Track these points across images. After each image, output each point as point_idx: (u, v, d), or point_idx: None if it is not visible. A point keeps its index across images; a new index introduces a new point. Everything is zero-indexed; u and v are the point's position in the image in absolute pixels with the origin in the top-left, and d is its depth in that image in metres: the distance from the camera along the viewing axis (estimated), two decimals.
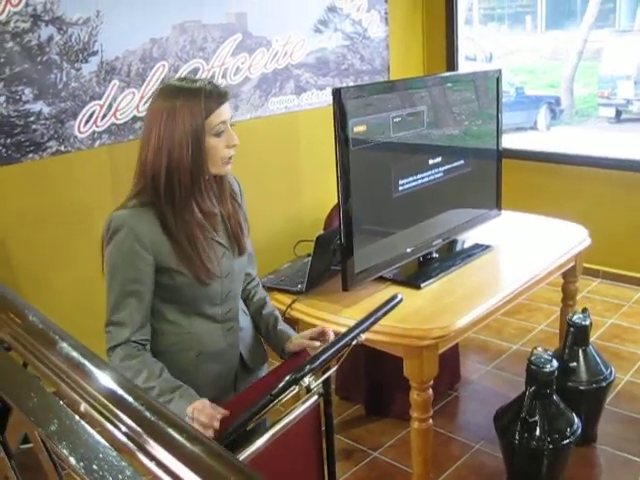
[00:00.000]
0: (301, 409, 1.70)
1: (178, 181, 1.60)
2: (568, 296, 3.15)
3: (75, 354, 1.07)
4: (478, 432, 2.97)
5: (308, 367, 1.31)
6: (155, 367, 1.62)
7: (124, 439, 0.87)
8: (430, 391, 2.34)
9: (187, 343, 1.72)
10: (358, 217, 2.36)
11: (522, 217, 3.28)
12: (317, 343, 1.78)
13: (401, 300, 1.63)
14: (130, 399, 0.93)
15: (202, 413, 1.49)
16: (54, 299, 3.28)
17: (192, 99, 1.59)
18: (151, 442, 0.85)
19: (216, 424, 1.47)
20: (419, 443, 2.40)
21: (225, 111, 1.63)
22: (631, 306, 4.10)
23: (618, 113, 8.76)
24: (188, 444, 0.84)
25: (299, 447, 1.92)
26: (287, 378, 1.30)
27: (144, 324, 1.66)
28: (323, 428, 1.86)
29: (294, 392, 1.42)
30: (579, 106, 9.96)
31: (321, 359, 1.34)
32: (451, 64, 4.88)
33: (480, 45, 6.03)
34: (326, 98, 4.30)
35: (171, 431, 0.86)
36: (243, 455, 1.48)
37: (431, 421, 2.38)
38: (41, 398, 0.93)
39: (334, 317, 2.35)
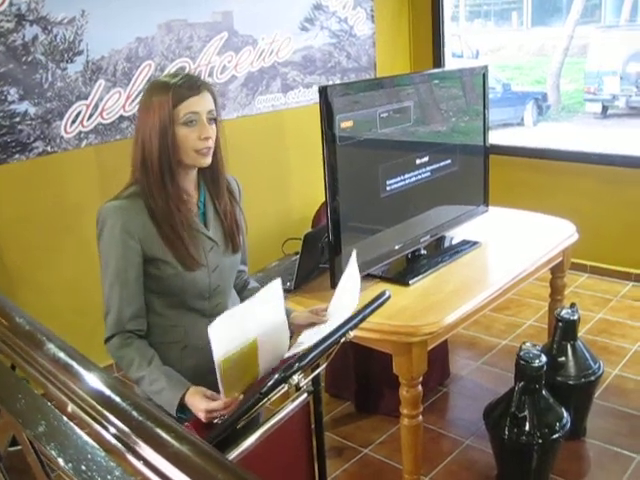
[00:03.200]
0: (291, 407, 1.70)
1: (151, 169, 1.65)
2: (556, 291, 3.17)
3: (62, 355, 1.07)
4: (468, 428, 2.98)
5: (297, 365, 1.31)
6: (146, 355, 1.65)
7: (113, 440, 0.87)
8: (419, 387, 2.35)
9: (173, 336, 1.74)
10: (346, 215, 2.36)
11: (510, 213, 3.29)
12: (325, 318, 1.78)
13: (389, 297, 1.63)
14: (118, 399, 0.93)
15: (198, 405, 1.53)
16: (42, 299, 3.28)
17: (162, 92, 1.64)
18: (139, 442, 0.84)
19: (207, 419, 1.50)
20: (409, 440, 2.40)
21: (197, 103, 1.65)
22: (619, 300, 4.12)
23: (604, 109, 8.80)
24: (176, 444, 0.84)
25: (289, 445, 1.92)
26: (276, 376, 1.30)
27: (138, 314, 1.68)
28: (313, 426, 1.87)
29: (284, 390, 1.42)
30: (565, 102, 10.00)
31: (310, 357, 1.34)
32: (438, 61, 4.89)
33: (466, 42, 6.04)
34: (313, 96, 4.30)
35: (159, 431, 0.86)
36: (233, 454, 1.49)
37: (421, 417, 2.39)
38: (29, 400, 0.93)
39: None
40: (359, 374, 3.14)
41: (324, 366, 1.56)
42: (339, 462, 2.80)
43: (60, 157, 3.33)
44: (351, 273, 1.76)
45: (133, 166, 1.70)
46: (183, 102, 1.63)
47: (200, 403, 1.53)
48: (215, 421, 1.51)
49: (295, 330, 1.86)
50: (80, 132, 3.38)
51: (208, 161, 1.69)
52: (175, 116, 1.63)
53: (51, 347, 1.08)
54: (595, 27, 8.41)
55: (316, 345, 1.38)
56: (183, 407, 1.58)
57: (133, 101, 3.51)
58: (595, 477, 2.69)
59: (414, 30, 4.94)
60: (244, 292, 1.96)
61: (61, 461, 0.82)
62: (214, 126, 1.69)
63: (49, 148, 3.29)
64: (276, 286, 1.51)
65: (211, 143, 1.67)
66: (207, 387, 1.76)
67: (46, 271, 3.33)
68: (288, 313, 1.87)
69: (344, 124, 2.30)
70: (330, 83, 4.34)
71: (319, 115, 2.25)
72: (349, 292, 1.76)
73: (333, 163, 2.28)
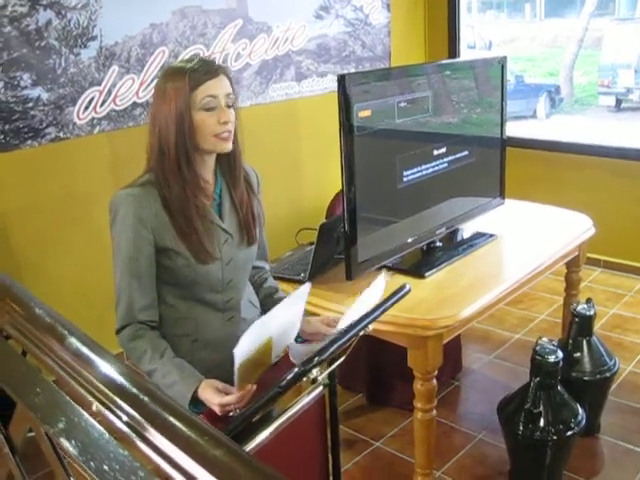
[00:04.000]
0: (306, 400, 1.67)
1: (168, 155, 1.62)
2: (571, 285, 3.13)
3: (82, 347, 1.04)
4: (480, 422, 2.95)
5: (317, 359, 1.28)
6: (159, 347, 1.62)
7: (125, 428, 0.84)
8: (434, 381, 2.32)
9: (184, 328, 1.71)
10: (362, 205, 2.32)
11: (525, 206, 3.26)
12: (333, 330, 1.76)
13: (409, 290, 1.61)
14: (131, 387, 0.91)
15: (212, 398, 1.52)
16: (53, 286, 3.26)
17: (178, 76, 1.61)
18: (157, 435, 0.82)
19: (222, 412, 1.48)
20: (422, 433, 2.38)
21: (214, 86, 1.62)
22: (633, 296, 4.08)
23: (618, 102, 8.72)
24: (196, 437, 0.81)
25: (303, 437, 1.90)
26: (295, 370, 1.27)
27: (151, 305, 1.65)
28: (327, 417, 1.85)
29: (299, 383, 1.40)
30: (579, 94, 9.91)
31: (330, 350, 1.31)
32: (453, 52, 4.84)
33: (479, 33, 5.98)
34: (327, 85, 4.26)
35: (178, 423, 0.84)
36: (249, 447, 1.47)
37: (435, 412, 2.36)
38: (47, 394, 0.90)
39: (338, 306, 2.32)
40: (371, 366, 3.11)
41: (342, 360, 1.53)
42: (350, 455, 2.78)
43: (72, 143, 3.30)
44: (374, 292, 1.70)
45: (148, 154, 1.67)
46: (200, 86, 1.60)
47: (214, 397, 1.51)
48: (231, 414, 1.49)
49: (301, 335, 1.83)
50: (93, 118, 3.35)
51: (229, 146, 1.66)
52: (192, 101, 1.60)
53: (69, 338, 1.06)
54: (609, 19, 8.33)
55: (336, 338, 1.35)
56: (196, 400, 1.55)
57: (147, 88, 3.48)
58: (609, 474, 2.66)
59: (429, 20, 4.89)
60: (261, 290, 1.93)
61: (81, 459, 0.79)
62: (232, 110, 1.66)
63: (61, 134, 3.26)
64: (304, 291, 1.48)
65: (231, 127, 1.64)
66: (219, 379, 1.74)
67: (56, 258, 3.31)
68: None
69: (362, 113, 2.27)
70: (344, 72, 4.29)
71: (336, 104, 2.22)
72: (366, 307, 1.70)
73: (350, 153, 2.24)
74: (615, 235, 4.26)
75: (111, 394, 0.90)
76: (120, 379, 0.93)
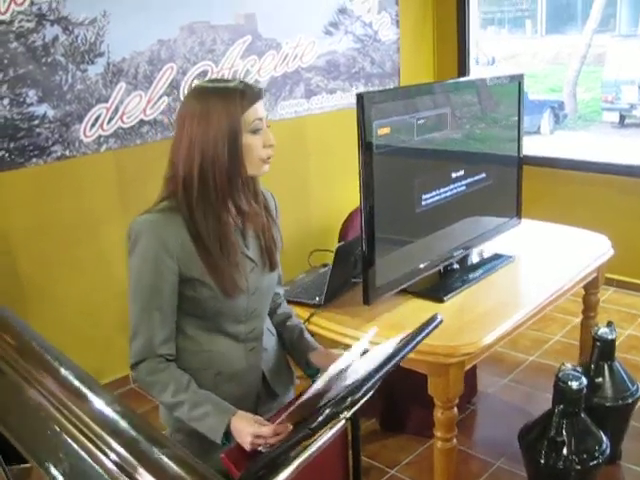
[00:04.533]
0: (330, 434, 1.60)
1: (213, 181, 1.52)
2: (589, 308, 3.06)
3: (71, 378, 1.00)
4: (498, 449, 2.86)
5: (350, 399, 1.20)
6: (182, 379, 1.54)
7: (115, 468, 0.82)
8: (455, 410, 2.25)
9: (206, 362, 1.63)
10: (379, 227, 2.25)
11: (541, 225, 3.19)
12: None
13: (442, 321, 1.53)
14: (125, 426, 0.89)
15: (244, 433, 1.45)
16: (59, 308, 3.19)
17: (227, 97, 1.52)
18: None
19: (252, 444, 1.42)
20: (443, 463, 2.30)
21: (261, 108, 1.56)
22: None
23: (622, 118, 8.71)
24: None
25: (324, 469, 1.83)
26: (327, 412, 1.19)
27: (170, 338, 1.57)
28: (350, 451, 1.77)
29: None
30: (582, 111, 9.90)
31: (363, 389, 1.23)
32: (462, 67, 4.78)
33: (482, 49, 5.95)
34: (336, 102, 4.21)
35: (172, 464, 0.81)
36: None
37: (455, 440, 2.29)
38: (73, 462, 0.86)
39: (355, 332, 2.25)
40: (385, 391, 3.02)
41: (369, 395, 1.45)
42: None
43: (79, 161, 3.23)
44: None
45: (173, 176, 1.57)
46: (251, 107, 1.53)
47: (248, 426, 1.43)
48: (260, 448, 1.41)
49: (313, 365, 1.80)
50: (100, 136, 3.28)
51: (267, 169, 1.60)
52: (244, 123, 1.52)
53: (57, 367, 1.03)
54: (611, 36, 8.33)
55: (369, 376, 1.27)
56: (227, 434, 1.48)
57: (154, 105, 3.42)
58: None
59: (438, 35, 4.84)
60: (275, 316, 1.85)
61: None
62: None
63: (67, 152, 3.20)
64: (369, 335, 1.47)
65: (272, 151, 1.58)
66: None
67: (62, 279, 3.23)
68: (311, 349, 1.79)
69: (381, 131, 2.21)
70: (354, 89, 4.24)
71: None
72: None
73: (369, 172, 2.18)
74: (628, 254, 4.17)
75: (100, 430, 0.87)
76: (111, 414, 0.91)
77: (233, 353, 1.64)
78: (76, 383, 1.02)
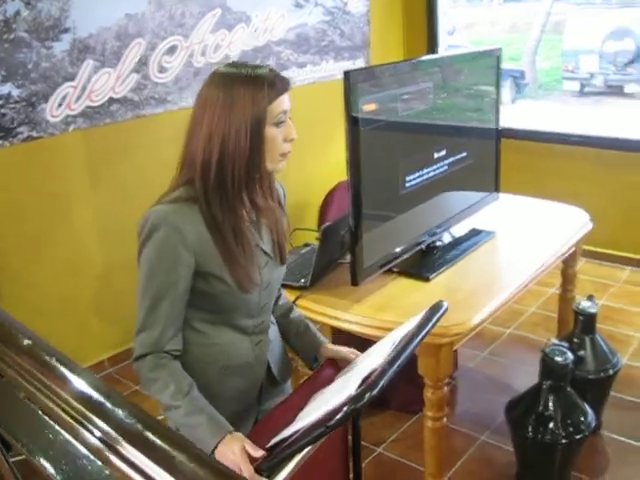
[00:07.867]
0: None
1: (231, 172, 1.45)
2: (568, 281, 3.07)
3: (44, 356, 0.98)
4: (482, 422, 2.89)
5: (368, 395, 1.17)
6: (184, 382, 1.48)
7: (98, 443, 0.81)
8: (445, 389, 2.24)
9: (212, 355, 1.58)
10: (367, 207, 2.22)
11: (518, 200, 3.18)
12: (353, 356, 1.66)
13: (447, 309, 1.51)
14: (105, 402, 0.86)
15: (226, 459, 1.35)
16: (34, 293, 3.11)
17: (254, 85, 1.44)
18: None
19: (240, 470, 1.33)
20: (433, 442, 2.30)
21: (287, 100, 1.49)
22: (620, 286, 4.07)
23: (582, 87, 8.78)
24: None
25: (325, 458, 1.81)
26: (345, 409, 1.16)
27: (176, 333, 1.51)
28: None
29: None
30: (543, 80, 9.95)
31: (380, 384, 1.20)
32: (431, 38, 4.73)
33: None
34: (306, 76, 4.14)
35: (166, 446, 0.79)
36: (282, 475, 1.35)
37: (445, 419, 2.29)
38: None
39: (343, 314, 2.23)
40: None
41: (379, 388, 1.41)
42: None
43: (46, 142, 3.12)
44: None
45: (189, 164, 1.49)
46: (277, 98, 1.46)
47: (232, 455, 1.36)
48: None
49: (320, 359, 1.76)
50: (67, 116, 3.17)
51: (284, 166, 1.54)
52: (269, 114, 1.45)
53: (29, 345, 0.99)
54: (568, 4, 8.35)
55: (383, 372, 1.24)
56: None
57: (123, 82, 3.31)
58: (616, 472, 2.63)
59: (407, 6, 4.77)
60: (276, 307, 1.81)
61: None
62: None
63: (34, 133, 3.08)
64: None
65: (291, 147, 1.52)
66: (244, 407, 1.63)
67: (37, 263, 3.14)
68: (319, 344, 1.75)
69: (366, 108, 2.17)
70: (324, 63, 4.18)
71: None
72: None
73: (356, 148, 2.14)
74: (599, 225, 4.21)
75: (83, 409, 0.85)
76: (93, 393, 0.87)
77: (240, 346, 1.59)
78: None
